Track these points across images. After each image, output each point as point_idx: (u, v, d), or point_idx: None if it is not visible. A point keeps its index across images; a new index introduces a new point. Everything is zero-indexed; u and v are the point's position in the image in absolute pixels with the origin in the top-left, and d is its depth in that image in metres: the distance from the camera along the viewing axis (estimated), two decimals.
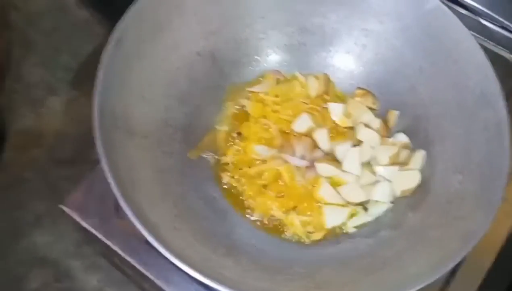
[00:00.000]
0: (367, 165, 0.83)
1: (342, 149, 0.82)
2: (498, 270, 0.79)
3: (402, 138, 0.83)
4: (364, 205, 0.81)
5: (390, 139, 0.84)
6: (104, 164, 0.65)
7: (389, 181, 0.81)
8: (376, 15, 0.85)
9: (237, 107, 0.88)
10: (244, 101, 0.88)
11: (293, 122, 0.86)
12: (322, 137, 0.84)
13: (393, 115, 0.86)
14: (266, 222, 0.80)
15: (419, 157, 0.80)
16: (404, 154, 0.82)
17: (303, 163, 0.83)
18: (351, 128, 0.86)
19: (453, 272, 0.77)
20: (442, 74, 0.81)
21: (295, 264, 0.74)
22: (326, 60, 0.91)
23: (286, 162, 0.83)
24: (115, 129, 0.71)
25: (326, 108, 0.88)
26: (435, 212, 0.74)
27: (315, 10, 0.88)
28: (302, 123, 0.85)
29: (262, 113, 0.87)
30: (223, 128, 0.86)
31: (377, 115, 0.87)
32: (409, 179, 0.79)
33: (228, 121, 0.87)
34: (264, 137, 0.85)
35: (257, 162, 0.84)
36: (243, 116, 0.88)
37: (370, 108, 0.87)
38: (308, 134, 0.85)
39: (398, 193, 0.80)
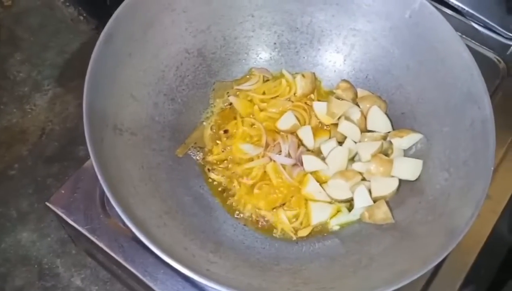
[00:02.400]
0: (351, 160, 0.84)
1: (327, 147, 0.83)
2: (481, 266, 0.80)
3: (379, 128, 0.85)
4: (350, 202, 0.82)
5: (368, 134, 0.85)
6: (94, 161, 0.65)
7: (368, 181, 0.81)
8: (364, 14, 0.86)
9: (225, 104, 0.89)
10: (232, 99, 0.88)
11: (278, 121, 0.86)
12: (306, 135, 0.85)
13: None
14: (254, 220, 0.81)
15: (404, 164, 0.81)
16: (385, 145, 0.83)
17: (289, 161, 0.83)
18: (335, 125, 0.87)
19: (438, 267, 0.78)
20: (429, 73, 0.82)
21: (283, 261, 0.75)
22: (315, 59, 0.92)
23: (272, 160, 0.83)
24: (104, 127, 0.71)
25: (311, 106, 0.88)
26: (421, 209, 0.75)
27: (304, 9, 0.89)
28: (286, 121, 0.86)
29: (250, 111, 0.87)
30: (210, 125, 0.87)
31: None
32: (387, 185, 0.80)
33: (215, 118, 0.87)
34: (251, 136, 0.85)
35: (244, 160, 0.84)
36: (230, 113, 0.88)
37: None
38: (293, 133, 0.86)
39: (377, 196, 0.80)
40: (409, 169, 0.80)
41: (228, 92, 0.89)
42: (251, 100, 0.89)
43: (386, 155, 0.83)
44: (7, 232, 1.02)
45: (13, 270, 0.99)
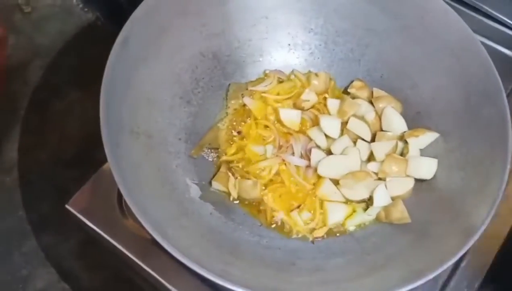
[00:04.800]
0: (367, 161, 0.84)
1: (339, 145, 0.83)
2: (500, 266, 0.79)
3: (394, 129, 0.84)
4: (366, 202, 0.81)
5: (384, 133, 0.84)
6: (111, 164, 0.65)
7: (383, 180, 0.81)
8: (378, 14, 0.86)
9: (239, 105, 0.89)
10: (246, 100, 0.88)
11: (281, 111, 0.86)
12: (318, 135, 0.85)
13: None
14: (270, 220, 0.81)
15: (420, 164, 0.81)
16: (401, 145, 0.83)
17: (303, 162, 0.83)
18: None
19: (456, 267, 0.78)
20: (444, 72, 0.81)
21: (300, 261, 0.75)
22: (330, 59, 0.92)
23: (286, 161, 0.83)
24: (121, 130, 0.72)
25: (325, 106, 0.88)
26: (437, 208, 0.75)
27: (318, 11, 0.89)
28: (289, 114, 0.86)
29: (264, 112, 0.88)
30: (224, 126, 0.87)
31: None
32: (403, 184, 0.80)
33: (229, 119, 0.88)
34: (264, 138, 0.86)
35: (257, 162, 0.84)
36: (244, 114, 0.88)
37: None
38: (305, 133, 0.86)
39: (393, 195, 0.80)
40: (424, 168, 0.79)
41: (242, 94, 0.89)
42: (265, 102, 0.89)
43: (402, 154, 0.82)
44: (28, 235, 1.03)
45: (34, 273, 1.00)
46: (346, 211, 0.80)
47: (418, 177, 0.80)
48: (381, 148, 0.82)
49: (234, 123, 0.87)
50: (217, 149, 0.85)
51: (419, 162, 0.80)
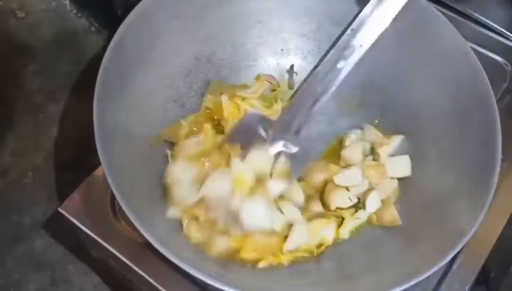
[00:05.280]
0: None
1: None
2: (491, 269, 0.80)
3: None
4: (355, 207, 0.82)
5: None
6: (104, 167, 0.66)
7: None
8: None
9: (212, 104, 0.87)
10: (224, 98, 0.85)
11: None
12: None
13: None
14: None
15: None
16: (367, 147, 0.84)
17: None
18: None
19: (447, 270, 0.78)
20: (435, 77, 0.82)
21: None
22: None
23: None
24: (115, 133, 0.72)
25: None
26: (428, 211, 0.75)
27: (311, 17, 0.90)
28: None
29: (235, 115, 0.85)
30: (187, 123, 0.84)
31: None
32: (386, 186, 0.81)
33: (194, 117, 0.85)
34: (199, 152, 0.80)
35: None
36: (210, 116, 0.86)
37: None
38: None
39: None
40: (398, 167, 0.81)
41: (221, 92, 0.86)
42: (238, 108, 0.86)
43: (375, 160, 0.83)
44: (21, 239, 1.03)
45: (27, 277, 1.00)
46: (334, 225, 0.79)
47: (398, 176, 0.81)
48: (353, 151, 0.83)
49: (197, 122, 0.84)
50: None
51: (392, 162, 0.81)
